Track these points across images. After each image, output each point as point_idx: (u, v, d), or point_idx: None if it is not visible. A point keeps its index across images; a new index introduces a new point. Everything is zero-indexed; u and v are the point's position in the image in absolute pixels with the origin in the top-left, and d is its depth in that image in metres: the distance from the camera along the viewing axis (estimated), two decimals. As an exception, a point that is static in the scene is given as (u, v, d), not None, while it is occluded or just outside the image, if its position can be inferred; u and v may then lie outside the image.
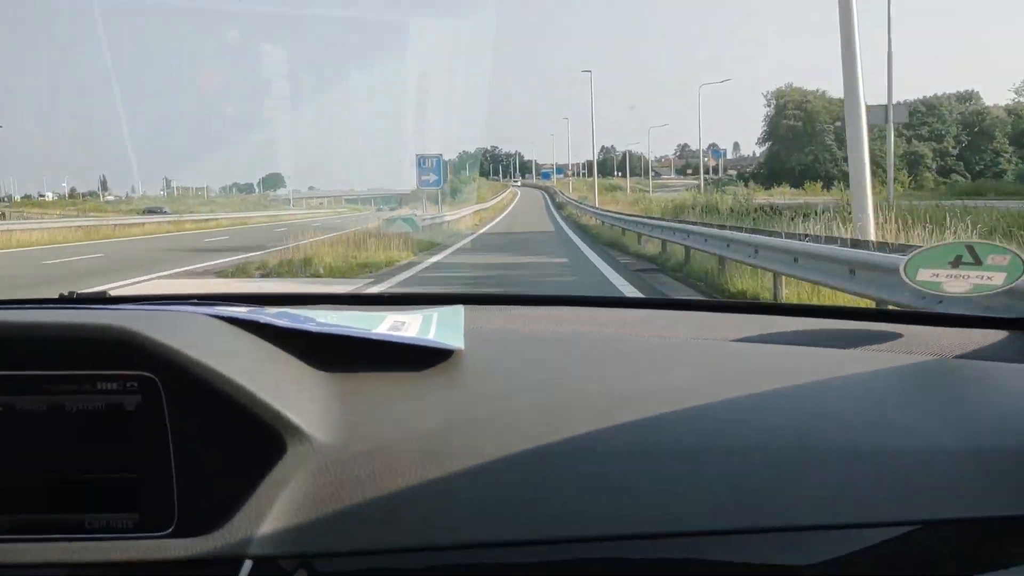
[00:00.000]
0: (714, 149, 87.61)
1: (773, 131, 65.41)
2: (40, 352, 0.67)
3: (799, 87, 65.86)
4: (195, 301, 0.92)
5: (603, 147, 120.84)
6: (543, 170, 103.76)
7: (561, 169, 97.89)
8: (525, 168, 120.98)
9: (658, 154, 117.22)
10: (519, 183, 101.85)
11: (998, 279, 0.88)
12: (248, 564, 0.62)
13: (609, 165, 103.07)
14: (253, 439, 0.66)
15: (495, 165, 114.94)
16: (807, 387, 0.79)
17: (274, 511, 0.63)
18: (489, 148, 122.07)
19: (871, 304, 4.48)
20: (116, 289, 5.12)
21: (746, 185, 44.20)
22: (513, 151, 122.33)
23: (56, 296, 1.00)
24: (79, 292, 1.03)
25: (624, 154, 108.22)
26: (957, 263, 0.88)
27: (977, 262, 0.88)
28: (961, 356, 0.90)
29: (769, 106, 67.72)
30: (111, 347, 0.66)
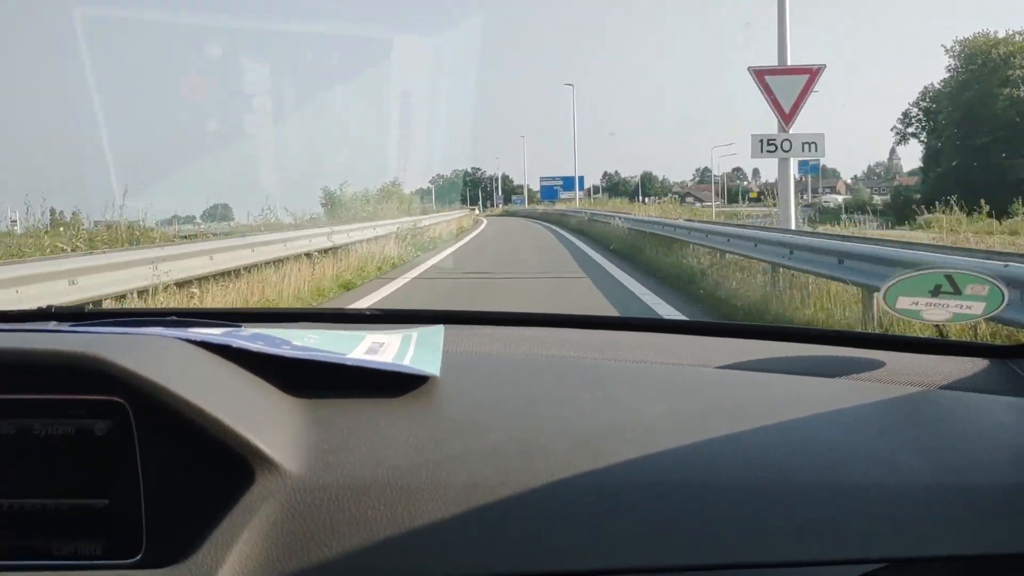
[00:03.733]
0: (805, 164, 65.84)
1: (970, 112, 37.48)
2: (7, 376, 0.70)
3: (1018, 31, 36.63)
4: (173, 319, 0.97)
5: (606, 172, 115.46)
6: (545, 185, 76.70)
7: (573, 183, 60.62)
8: (514, 191, 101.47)
9: (675, 179, 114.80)
10: (474, 209, 68.16)
11: (977, 308, 0.93)
12: None
13: (622, 190, 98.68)
14: (223, 467, 0.70)
15: (476, 189, 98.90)
16: (786, 419, 0.84)
17: (241, 542, 0.66)
18: (470, 170, 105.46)
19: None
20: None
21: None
22: (499, 174, 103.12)
23: (35, 309, 1.05)
24: (57, 307, 1.08)
25: (640, 177, 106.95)
26: (937, 292, 0.93)
27: (956, 291, 0.93)
28: (942, 387, 0.95)
29: (956, 70, 40.65)
30: (80, 373, 0.69)
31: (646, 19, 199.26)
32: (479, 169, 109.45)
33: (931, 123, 45.18)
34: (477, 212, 65.32)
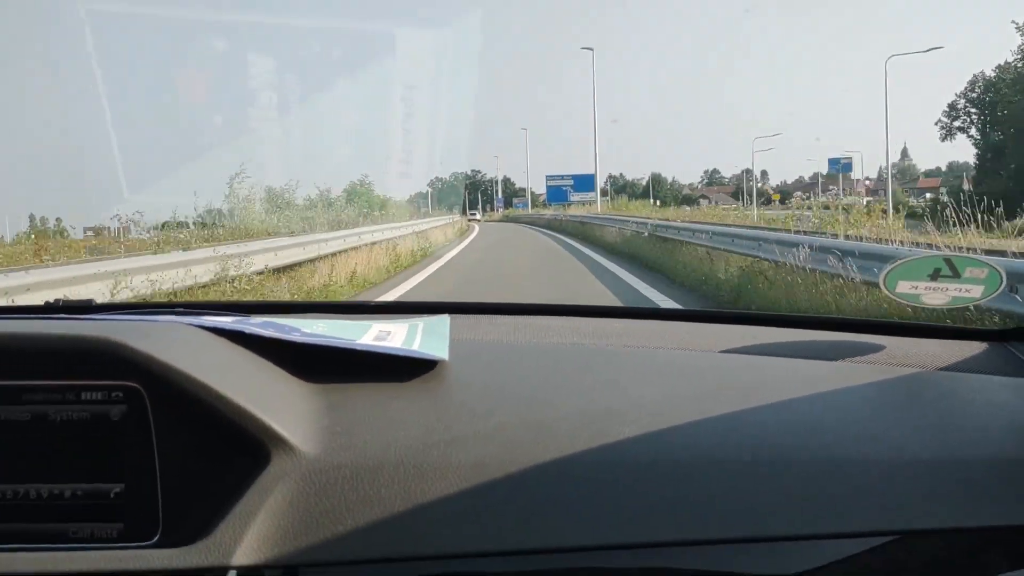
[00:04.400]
0: (836, 162, 55.59)
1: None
2: (24, 362, 0.72)
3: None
4: (181, 310, 0.99)
5: (611, 175, 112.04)
6: (552, 185, 69.08)
7: (590, 182, 52.00)
8: (516, 194, 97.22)
9: (682, 181, 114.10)
10: (474, 214, 64.80)
11: (976, 292, 0.95)
12: (232, 575, 0.67)
13: (630, 192, 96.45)
14: (238, 449, 0.72)
15: (476, 193, 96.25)
16: (789, 400, 0.87)
17: (258, 521, 0.68)
18: (470, 173, 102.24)
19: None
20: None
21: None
22: (499, 176, 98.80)
23: (43, 303, 1.07)
24: (65, 300, 1.11)
25: (649, 179, 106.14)
26: (936, 275, 0.95)
27: (955, 275, 0.95)
28: (941, 368, 0.97)
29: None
30: (96, 357, 0.71)
31: (650, 13, 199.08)
32: (479, 172, 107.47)
33: (986, 115, 40.34)
34: (479, 216, 63.35)
